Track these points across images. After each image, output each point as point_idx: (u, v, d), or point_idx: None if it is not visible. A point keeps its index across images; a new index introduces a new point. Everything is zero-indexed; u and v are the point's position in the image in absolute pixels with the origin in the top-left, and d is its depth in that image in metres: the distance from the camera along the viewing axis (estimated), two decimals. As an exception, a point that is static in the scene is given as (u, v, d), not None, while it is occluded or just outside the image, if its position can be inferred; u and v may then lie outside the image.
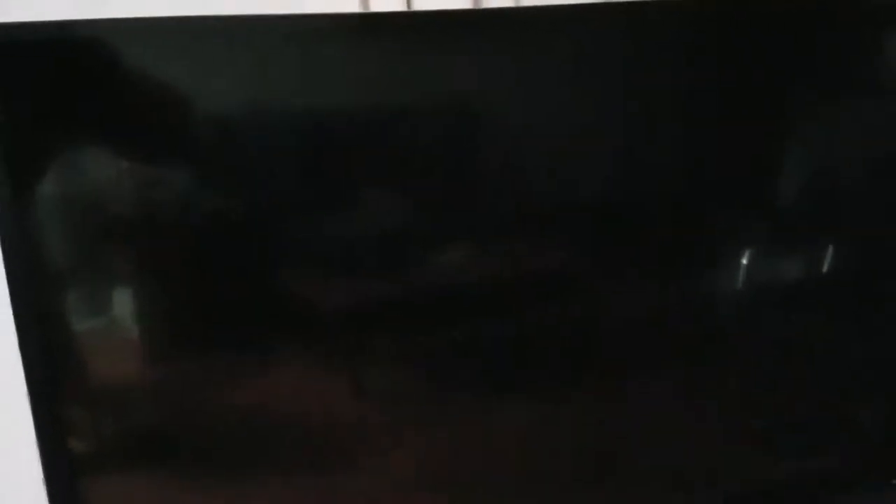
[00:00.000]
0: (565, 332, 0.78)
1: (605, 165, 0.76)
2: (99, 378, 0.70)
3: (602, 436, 0.82)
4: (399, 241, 0.72)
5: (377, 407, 0.77)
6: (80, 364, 0.69)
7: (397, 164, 0.71)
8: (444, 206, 0.73)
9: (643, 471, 0.83)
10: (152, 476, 0.74)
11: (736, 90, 0.76)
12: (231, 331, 0.71)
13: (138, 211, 0.68)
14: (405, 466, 0.78)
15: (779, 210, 0.81)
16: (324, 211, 0.71)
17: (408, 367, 0.76)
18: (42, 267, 0.66)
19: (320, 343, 0.74)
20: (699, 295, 0.81)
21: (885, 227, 0.82)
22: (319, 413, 0.75)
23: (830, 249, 0.82)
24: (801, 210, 0.81)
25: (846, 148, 0.80)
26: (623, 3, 0.70)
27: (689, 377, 0.83)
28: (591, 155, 0.75)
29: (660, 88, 0.74)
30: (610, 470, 0.83)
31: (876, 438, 0.90)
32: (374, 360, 0.75)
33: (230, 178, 0.69)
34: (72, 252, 0.68)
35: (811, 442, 0.87)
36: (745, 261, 0.80)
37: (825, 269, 0.82)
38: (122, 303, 0.69)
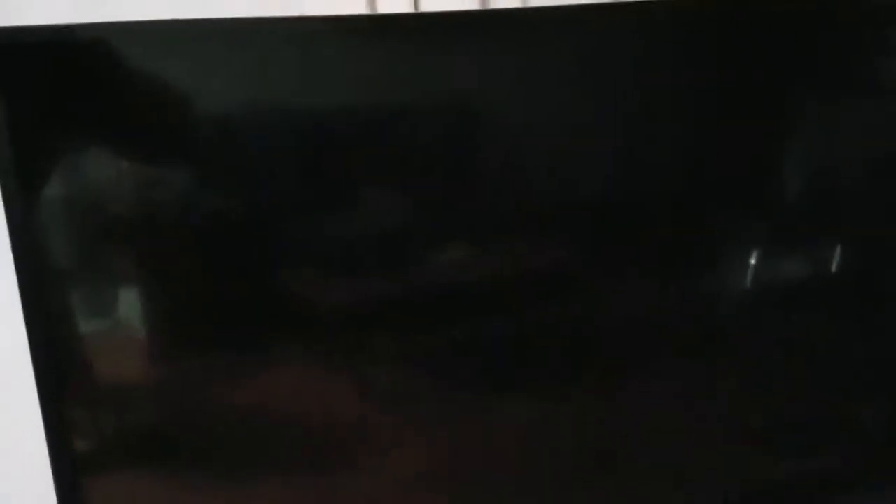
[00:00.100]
0: (566, 331, 0.78)
1: (612, 166, 0.76)
2: (107, 377, 0.71)
3: (602, 435, 0.82)
4: (400, 240, 0.73)
5: (378, 406, 0.78)
6: (87, 363, 0.70)
7: (410, 165, 0.71)
8: (448, 206, 0.74)
9: (643, 470, 0.83)
10: (159, 474, 0.74)
11: (738, 90, 0.76)
12: (233, 330, 0.72)
13: (141, 212, 0.68)
14: (405, 465, 0.78)
15: (779, 210, 0.81)
16: (329, 211, 0.71)
17: (408, 366, 0.77)
18: (50, 268, 0.67)
19: (321, 342, 0.74)
20: (699, 294, 0.81)
21: (886, 228, 0.82)
22: (320, 412, 0.75)
23: (831, 249, 0.82)
24: (802, 210, 0.81)
25: (847, 148, 0.80)
26: (629, 3, 0.70)
27: (690, 377, 0.82)
28: (598, 155, 0.75)
29: (665, 89, 0.74)
30: (610, 469, 0.83)
31: (877, 438, 0.89)
32: (374, 359, 0.76)
33: (234, 179, 0.69)
34: (78, 253, 0.68)
35: (811, 442, 0.87)
36: (745, 260, 0.80)
37: (826, 268, 0.82)
38: (127, 303, 0.70)
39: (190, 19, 0.64)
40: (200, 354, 0.73)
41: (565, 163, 0.74)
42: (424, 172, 0.72)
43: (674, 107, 0.76)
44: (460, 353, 0.77)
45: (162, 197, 0.68)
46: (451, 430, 0.78)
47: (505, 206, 0.74)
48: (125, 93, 0.65)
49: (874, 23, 0.77)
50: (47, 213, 0.65)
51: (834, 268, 0.82)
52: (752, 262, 0.80)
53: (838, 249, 0.82)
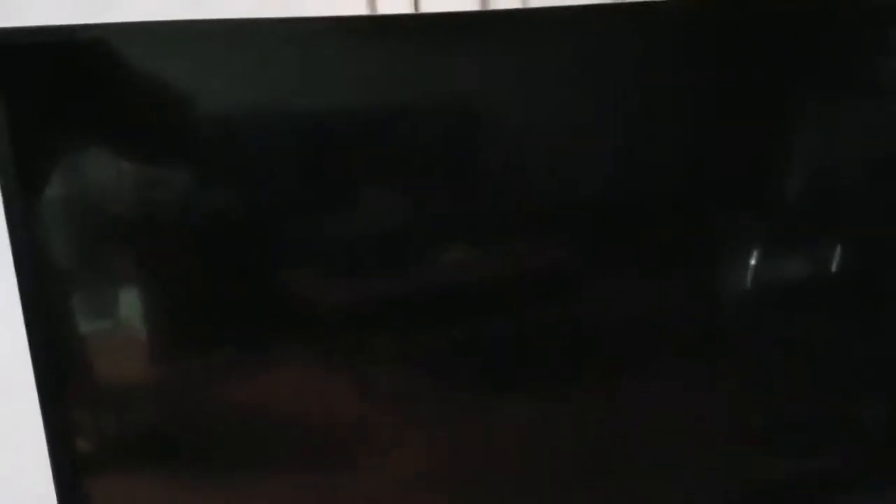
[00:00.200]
0: (566, 331, 0.78)
1: (613, 166, 0.76)
2: (107, 377, 0.71)
3: (602, 435, 0.82)
4: (401, 241, 0.73)
5: (378, 406, 0.78)
6: (88, 363, 0.70)
7: (410, 166, 0.71)
8: (449, 207, 0.74)
9: (643, 470, 0.83)
10: (159, 474, 0.74)
11: (738, 90, 0.76)
12: (234, 331, 0.72)
13: (142, 212, 0.68)
14: (405, 465, 0.78)
15: (779, 210, 0.81)
16: (329, 211, 0.71)
17: (408, 366, 0.77)
18: (50, 268, 0.67)
19: (321, 342, 0.74)
20: (699, 294, 0.81)
21: (886, 228, 0.82)
22: (320, 412, 0.75)
23: (831, 249, 0.82)
24: (802, 210, 0.81)
25: (847, 148, 0.80)
26: (629, 3, 0.70)
27: (690, 377, 0.83)
28: (598, 155, 0.75)
29: (665, 89, 0.74)
30: (610, 469, 0.83)
31: (877, 438, 0.89)
32: (374, 359, 0.76)
33: (235, 179, 0.69)
34: (78, 253, 0.68)
35: (811, 442, 0.87)
36: (744, 260, 0.80)
37: (826, 268, 0.82)
38: (128, 303, 0.70)
39: (190, 19, 0.64)
40: (201, 354, 0.73)
41: (566, 163, 0.74)
42: (425, 173, 0.72)
43: (674, 107, 0.76)
44: (460, 353, 0.77)
45: (162, 197, 0.68)
46: (451, 430, 0.78)
47: (505, 206, 0.74)
48: (125, 93, 0.65)
49: (874, 23, 0.77)
50: (47, 214, 0.65)
51: (834, 268, 0.82)
52: (752, 262, 0.80)
53: (838, 249, 0.82)
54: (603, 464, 0.83)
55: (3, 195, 0.63)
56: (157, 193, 0.68)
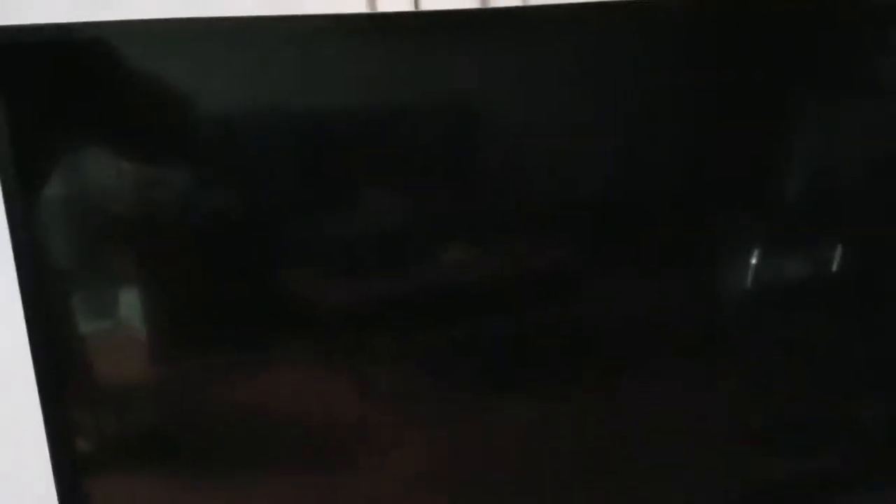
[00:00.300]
0: (566, 331, 0.78)
1: (612, 166, 0.76)
2: (107, 377, 0.71)
3: (602, 435, 0.82)
4: (401, 240, 0.73)
5: (378, 406, 0.78)
6: (88, 363, 0.70)
7: (410, 165, 0.71)
8: (449, 206, 0.74)
9: (643, 470, 0.83)
10: (160, 474, 0.74)
11: (738, 90, 0.76)
12: (234, 330, 0.72)
13: (141, 212, 0.68)
14: (405, 465, 0.78)
15: (779, 210, 0.81)
16: (329, 211, 0.71)
17: (408, 366, 0.77)
18: (51, 268, 0.67)
19: (321, 342, 0.74)
20: (699, 294, 0.81)
21: (886, 228, 0.82)
22: (320, 412, 0.75)
23: (831, 249, 0.82)
24: (801, 210, 0.81)
25: (847, 148, 0.80)
26: (629, 3, 0.70)
27: (690, 377, 0.83)
28: (598, 155, 0.75)
29: (665, 89, 0.74)
30: (610, 469, 0.83)
31: (877, 438, 0.89)
32: (374, 359, 0.76)
33: (234, 179, 0.69)
34: (78, 253, 0.68)
35: (811, 442, 0.87)
36: (744, 260, 0.80)
37: (826, 268, 0.82)
38: (128, 303, 0.70)
39: (190, 19, 0.64)
40: (201, 354, 0.73)
41: (565, 163, 0.74)
42: (424, 172, 0.72)
43: (674, 107, 0.76)
44: (460, 353, 0.77)
45: (162, 197, 0.68)
46: (451, 430, 0.78)
47: (505, 206, 0.74)
48: (125, 92, 0.65)
49: (874, 23, 0.77)
50: (48, 213, 0.65)
51: (833, 268, 0.82)
52: (752, 262, 0.80)
53: (838, 249, 0.82)
54: (603, 464, 0.83)
55: (4, 195, 0.63)
56: (157, 193, 0.68)
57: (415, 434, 0.78)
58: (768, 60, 0.75)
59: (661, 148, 0.76)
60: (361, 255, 0.72)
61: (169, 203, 0.68)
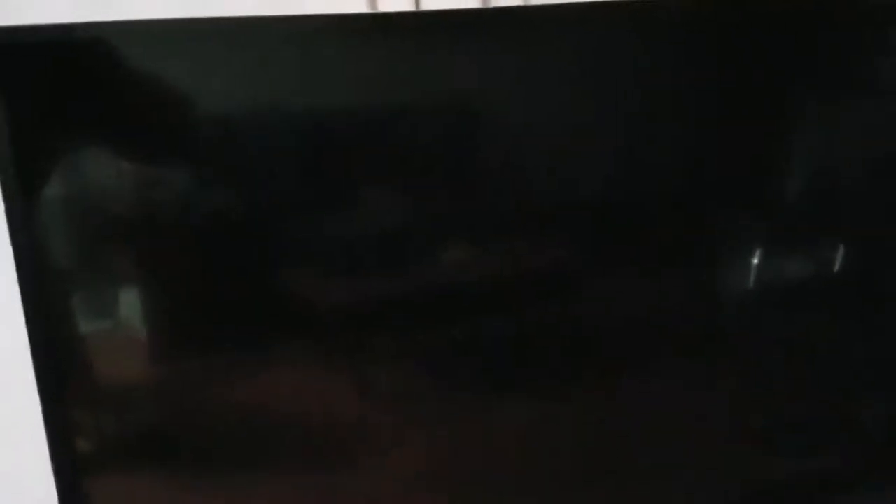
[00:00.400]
0: (566, 331, 0.78)
1: (613, 165, 0.76)
2: (108, 377, 0.71)
3: (602, 435, 0.82)
4: (401, 240, 0.73)
5: (378, 406, 0.78)
6: (88, 363, 0.70)
7: (410, 165, 0.72)
8: (449, 206, 0.74)
9: (643, 470, 0.83)
10: (160, 474, 0.74)
11: (738, 90, 0.76)
12: (233, 330, 0.72)
13: (142, 212, 0.68)
14: (405, 465, 0.78)
15: (779, 210, 0.81)
16: (329, 211, 0.71)
17: (408, 366, 0.77)
18: (51, 268, 0.67)
19: (321, 342, 0.74)
20: (699, 294, 0.81)
21: (886, 228, 0.82)
22: (320, 412, 0.75)
23: (831, 249, 0.82)
24: (801, 210, 0.81)
25: (847, 148, 0.80)
26: (629, 3, 0.70)
27: (690, 377, 0.83)
28: (598, 155, 0.75)
29: (665, 89, 0.74)
30: (610, 469, 0.83)
31: (877, 438, 0.89)
32: (374, 359, 0.76)
33: (235, 179, 0.69)
34: (78, 253, 0.68)
35: (811, 442, 0.87)
36: (745, 260, 0.80)
37: (826, 268, 0.82)
38: (128, 303, 0.70)
39: (190, 19, 0.64)
40: (201, 354, 0.73)
41: (566, 162, 0.74)
42: (425, 172, 0.72)
43: (674, 107, 0.76)
44: (460, 353, 0.77)
45: (162, 197, 0.68)
46: (451, 430, 0.78)
47: (505, 205, 0.74)
48: (125, 92, 0.65)
49: (874, 23, 0.77)
50: (48, 213, 0.65)
51: (833, 268, 0.82)
52: (752, 261, 0.80)
53: (838, 249, 0.82)
54: (603, 464, 0.83)
55: (4, 195, 0.63)
56: (157, 193, 0.68)
57: (415, 434, 0.78)
58: (768, 60, 0.75)
59: (662, 148, 0.76)
60: (361, 254, 0.72)
61: (169, 203, 0.68)
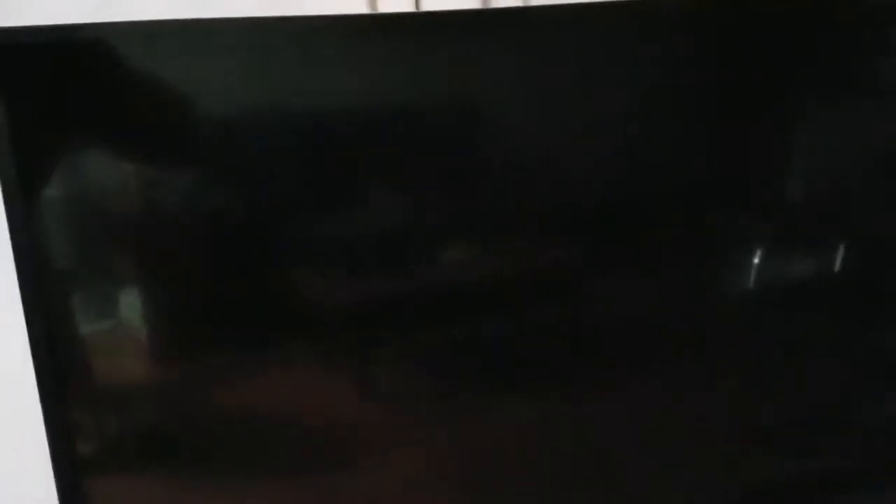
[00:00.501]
0: (566, 331, 0.78)
1: (613, 165, 0.76)
2: (108, 377, 0.71)
3: (602, 435, 0.82)
4: (401, 240, 0.73)
5: (378, 406, 0.78)
6: (88, 364, 0.70)
7: (411, 165, 0.71)
8: (449, 206, 0.74)
9: (643, 470, 0.83)
10: (160, 474, 0.75)
11: (738, 90, 0.76)
12: (234, 331, 0.72)
13: (142, 212, 0.68)
14: (405, 465, 0.78)
15: (779, 210, 0.81)
16: (330, 211, 0.71)
17: (409, 366, 0.77)
18: (51, 268, 0.67)
19: (322, 342, 0.74)
20: (699, 294, 0.81)
21: (886, 227, 0.82)
22: (321, 412, 0.75)
23: (832, 249, 0.82)
24: (802, 210, 0.81)
25: (847, 148, 0.80)
26: (630, 3, 0.70)
27: (690, 376, 0.83)
28: (598, 155, 0.75)
29: (665, 89, 0.74)
30: (610, 469, 0.83)
31: (877, 438, 0.89)
32: (375, 359, 0.76)
33: (235, 179, 0.69)
34: (79, 253, 0.68)
35: (811, 442, 0.87)
36: (745, 260, 0.80)
37: (826, 268, 0.82)
38: (128, 303, 0.70)
39: (190, 19, 0.64)
40: (201, 354, 0.73)
41: (566, 163, 0.74)
42: (425, 172, 0.72)
43: (674, 107, 0.76)
44: (460, 353, 0.77)
45: (163, 197, 0.68)
46: (451, 430, 0.78)
47: (505, 205, 0.74)
48: (125, 93, 0.65)
49: (874, 23, 0.77)
50: (48, 214, 0.65)
51: (834, 268, 0.82)
52: (752, 262, 0.80)
53: (838, 249, 0.82)
54: (603, 463, 0.83)
55: (4, 195, 0.63)
56: (158, 194, 0.68)
57: (415, 434, 0.78)
58: (768, 60, 0.75)
59: (662, 148, 0.76)
60: (362, 254, 0.72)
61: (169, 203, 0.68)
